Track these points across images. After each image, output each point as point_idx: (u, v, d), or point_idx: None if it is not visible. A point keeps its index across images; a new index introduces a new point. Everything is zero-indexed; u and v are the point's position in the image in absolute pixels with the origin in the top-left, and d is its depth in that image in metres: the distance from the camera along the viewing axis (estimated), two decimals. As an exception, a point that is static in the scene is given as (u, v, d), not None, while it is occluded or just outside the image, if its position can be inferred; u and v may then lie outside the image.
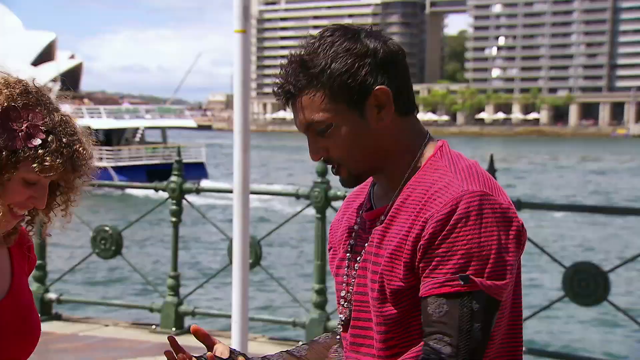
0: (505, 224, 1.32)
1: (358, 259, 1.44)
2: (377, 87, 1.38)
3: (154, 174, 27.64)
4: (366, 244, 1.43)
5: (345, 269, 1.47)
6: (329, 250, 1.60)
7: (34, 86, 1.44)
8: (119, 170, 30.22)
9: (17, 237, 1.54)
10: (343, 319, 1.46)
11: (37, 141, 1.39)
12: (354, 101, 1.38)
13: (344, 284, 1.47)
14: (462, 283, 1.29)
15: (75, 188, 1.50)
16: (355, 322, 1.44)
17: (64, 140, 1.42)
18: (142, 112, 35.37)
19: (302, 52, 1.40)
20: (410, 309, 1.36)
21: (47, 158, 1.39)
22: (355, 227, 1.49)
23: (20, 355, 1.50)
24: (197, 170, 30.88)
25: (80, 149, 1.44)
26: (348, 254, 1.48)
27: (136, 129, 34.45)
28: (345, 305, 1.46)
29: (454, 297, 1.29)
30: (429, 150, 1.43)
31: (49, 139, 1.40)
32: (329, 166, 1.46)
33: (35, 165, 1.39)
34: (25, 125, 1.39)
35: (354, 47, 1.37)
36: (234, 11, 3.27)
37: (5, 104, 1.39)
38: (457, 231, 1.29)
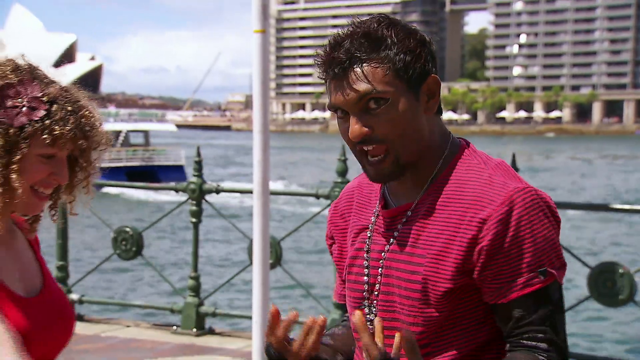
0: (552, 215, 1.36)
1: (381, 260, 1.42)
2: (432, 75, 1.40)
3: (134, 175, 28.90)
4: (388, 245, 1.41)
5: (365, 269, 1.44)
6: (329, 238, 1.58)
7: (24, 62, 1.43)
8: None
9: (34, 230, 1.53)
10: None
11: (41, 112, 1.38)
12: (413, 83, 1.38)
13: (365, 285, 1.44)
14: (542, 278, 1.32)
15: (93, 160, 1.49)
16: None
17: (68, 107, 1.40)
18: (125, 116, 37.23)
19: (361, 28, 1.38)
20: (453, 310, 1.36)
21: (56, 127, 1.38)
22: (370, 226, 1.46)
23: (59, 346, 1.50)
24: (176, 172, 31.92)
25: (87, 113, 1.43)
26: (366, 255, 1.45)
27: (119, 132, 35.10)
28: (366, 306, 1.44)
29: (537, 294, 1.32)
30: (455, 149, 1.44)
31: (52, 109, 1.39)
32: (368, 155, 1.39)
33: (45, 136, 1.37)
34: (25, 100, 1.38)
35: (415, 33, 1.40)
36: (253, 11, 3.25)
37: (1, 83, 1.37)
38: (522, 229, 1.31)
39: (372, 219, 1.47)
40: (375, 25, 1.38)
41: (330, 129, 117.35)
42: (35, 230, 1.53)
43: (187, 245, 12.35)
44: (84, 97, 1.46)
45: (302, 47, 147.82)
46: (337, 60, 1.36)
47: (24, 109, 1.37)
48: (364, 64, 1.35)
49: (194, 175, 5.23)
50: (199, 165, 5.25)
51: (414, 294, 1.36)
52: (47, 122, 1.38)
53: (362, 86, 1.35)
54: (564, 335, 1.35)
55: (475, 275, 1.33)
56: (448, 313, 1.35)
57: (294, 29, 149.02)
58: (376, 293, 1.42)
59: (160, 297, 10.33)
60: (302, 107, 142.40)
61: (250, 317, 3.54)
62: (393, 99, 1.35)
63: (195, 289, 5.28)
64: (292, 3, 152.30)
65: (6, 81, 1.38)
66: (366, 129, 1.36)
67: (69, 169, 1.45)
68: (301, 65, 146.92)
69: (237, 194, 7.97)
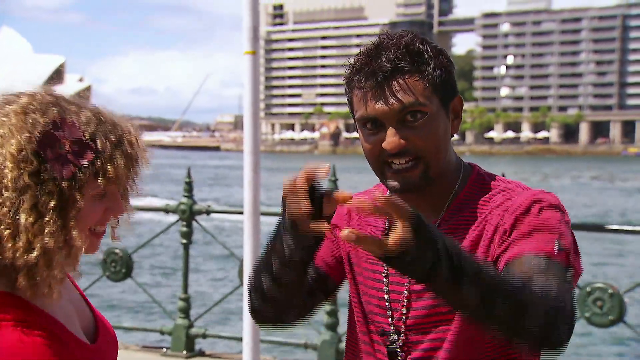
0: (568, 222, 1.37)
1: (405, 284, 1.41)
2: (458, 95, 1.41)
3: None
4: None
5: (386, 294, 1.42)
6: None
7: (47, 96, 1.24)
8: None
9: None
10: (393, 347, 1.41)
11: (90, 155, 1.21)
12: (445, 101, 1.38)
13: (388, 310, 1.42)
14: (558, 248, 1.27)
15: (138, 179, 1.34)
16: (417, 346, 1.40)
17: (112, 138, 1.24)
18: None
19: (399, 40, 1.36)
20: None
21: (108, 167, 1.22)
22: (384, 266, 1.43)
23: None
24: None
25: (129, 137, 1.27)
26: (385, 280, 1.43)
27: None
28: (393, 333, 1.41)
29: (553, 263, 1.25)
30: (469, 169, 1.46)
31: (98, 146, 1.22)
32: (393, 164, 1.36)
33: (100, 180, 1.22)
34: (67, 145, 1.20)
35: (443, 51, 1.39)
36: (243, 33, 3.27)
37: (37, 133, 1.19)
38: (546, 212, 1.32)
39: None
40: (411, 39, 1.36)
41: (320, 149, 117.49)
42: (75, 265, 1.35)
43: (177, 266, 12.28)
44: (116, 118, 1.29)
45: (291, 67, 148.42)
46: (381, 69, 1.33)
47: (69, 155, 1.20)
48: (406, 76, 1.34)
49: (185, 196, 5.22)
50: (189, 186, 5.24)
51: (449, 314, 1.35)
52: (98, 163, 1.22)
53: (406, 97, 1.33)
54: (574, 308, 1.24)
55: (499, 252, 1.31)
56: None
57: (282, 50, 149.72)
58: (403, 318, 1.40)
59: (150, 318, 10.25)
60: (292, 127, 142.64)
61: (240, 339, 3.52)
62: (431, 114, 1.35)
63: (186, 311, 5.25)
64: (281, 24, 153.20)
65: (39, 129, 1.19)
66: (403, 141, 1.34)
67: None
68: (290, 86, 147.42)
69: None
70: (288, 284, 1.35)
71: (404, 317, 1.41)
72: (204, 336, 5.20)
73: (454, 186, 1.42)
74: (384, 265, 1.41)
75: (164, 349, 5.25)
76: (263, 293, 1.39)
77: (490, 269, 1.16)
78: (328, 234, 1.28)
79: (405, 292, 1.41)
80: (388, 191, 1.45)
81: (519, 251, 1.28)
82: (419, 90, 1.34)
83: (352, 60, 1.40)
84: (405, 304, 1.41)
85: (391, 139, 1.34)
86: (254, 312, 1.47)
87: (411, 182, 1.37)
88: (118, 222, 1.36)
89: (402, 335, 1.41)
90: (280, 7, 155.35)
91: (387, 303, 1.43)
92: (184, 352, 5.13)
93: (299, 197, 1.21)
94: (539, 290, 1.17)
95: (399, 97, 1.34)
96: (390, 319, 1.43)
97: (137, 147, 1.28)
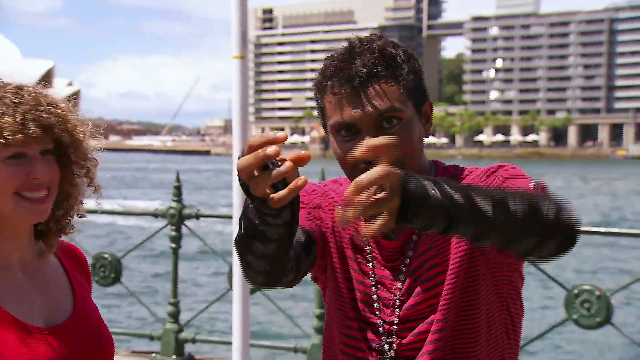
0: None
1: (398, 293, 1.39)
2: (429, 100, 1.40)
3: None
4: (403, 276, 1.39)
5: (376, 303, 1.41)
6: (313, 207, 1.48)
7: None
8: None
9: (57, 242, 1.46)
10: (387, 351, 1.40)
11: None
12: (418, 105, 1.37)
13: (380, 320, 1.41)
14: (534, 185, 1.28)
15: (88, 153, 1.43)
16: (407, 333, 1.40)
17: (7, 99, 1.35)
18: None
19: (371, 44, 1.34)
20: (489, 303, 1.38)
21: (10, 129, 1.32)
22: (370, 257, 1.42)
23: None
24: None
25: (43, 102, 1.38)
26: (374, 288, 1.41)
27: None
28: (385, 343, 1.40)
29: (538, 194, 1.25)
30: (434, 169, 1.46)
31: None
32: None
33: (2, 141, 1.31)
34: None
35: (414, 55, 1.38)
36: (232, 37, 3.27)
37: None
38: (511, 171, 1.34)
39: (367, 248, 1.43)
40: (383, 43, 1.35)
41: (310, 153, 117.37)
42: (52, 245, 1.46)
43: (167, 271, 12.23)
44: (40, 91, 1.40)
45: (280, 72, 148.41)
46: (357, 75, 1.31)
47: None
48: (382, 81, 1.32)
49: (174, 201, 5.21)
50: (178, 191, 5.23)
51: (449, 311, 1.35)
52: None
53: (382, 103, 1.31)
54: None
55: None
56: (486, 307, 1.37)
57: (272, 54, 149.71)
58: (396, 320, 1.40)
59: (139, 323, 10.21)
60: (282, 131, 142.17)
61: (230, 343, 3.52)
62: (407, 119, 1.34)
63: (175, 315, 5.23)
64: (270, 28, 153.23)
65: None
66: None
67: (62, 165, 1.39)
68: (280, 90, 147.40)
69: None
70: (271, 255, 1.24)
71: (397, 309, 1.40)
72: (194, 341, 5.19)
73: None
74: (369, 255, 1.42)
75: (154, 354, 5.23)
76: (250, 267, 1.29)
77: (499, 193, 1.16)
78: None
79: (395, 285, 1.41)
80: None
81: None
82: (395, 95, 1.33)
83: (323, 65, 1.36)
84: (396, 296, 1.40)
85: None
86: (247, 277, 1.35)
87: None
88: (74, 215, 1.42)
89: (392, 325, 1.41)
90: (270, 11, 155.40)
91: (374, 295, 1.42)
92: (174, 356, 5.11)
93: (257, 179, 1.09)
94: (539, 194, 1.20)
95: (376, 103, 1.32)
96: (378, 312, 1.42)
97: (57, 115, 1.37)
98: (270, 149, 1.06)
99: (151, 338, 5.36)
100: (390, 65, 1.33)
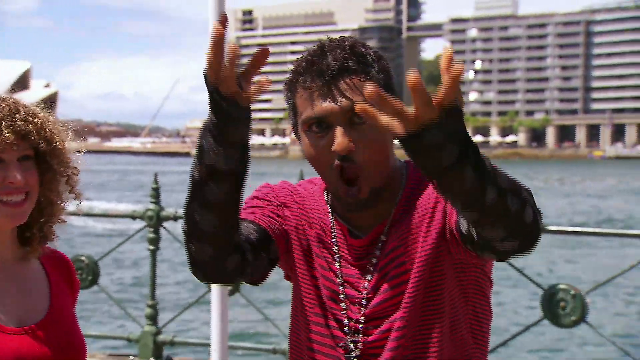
0: None
1: (364, 292, 1.39)
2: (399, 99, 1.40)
3: None
4: (369, 276, 1.39)
5: (343, 303, 1.41)
6: (277, 205, 1.46)
7: None
8: None
9: (41, 248, 1.52)
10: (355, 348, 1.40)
11: None
12: None
13: (346, 319, 1.40)
14: None
15: (68, 160, 1.49)
16: (373, 331, 1.40)
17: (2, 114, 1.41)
18: None
19: (343, 42, 1.34)
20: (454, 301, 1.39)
21: None
22: (337, 257, 1.42)
23: None
24: None
25: (20, 110, 1.44)
26: (341, 287, 1.41)
27: None
28: (350, 342, 1.40)
29: None
30: (406, 169, 1.45)
31: None
32: (344, 181, 1.33)
33: None
34: None
35: (383, 56, 1.38)
36: (210, 37, 3.27)
37: None
38: None
39: (335, 248, 1.43)
40: (354, 42, 1.36)
41: (290, 154, 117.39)
42: (35, 250, 1.52)
43: (145, 273, 12.17)
44: (19, 102, 1.47)
45: (260, 73, 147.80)
46: (328, 67, 1.31)
47: None
48: (353, 75, 1.32)
49: (152, 202, 5.18)
50: (156, 192, 5.21)
51: (412, 309, 1.36)
52: None
53: (354, 96, 1.31)
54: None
55: (447, 222, 1.32)
56: (450, 307, 1.37)
57: (252, 55, 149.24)
58: (362, 319, 1.39)
59: (117, 326, 10.14)
60: (262, 132, 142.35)
61: (209, 345, 3.52)
62: None
63: (153, 317, 5.21)
64: (251, 30, 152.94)
65: None
66: (353, 144, 1.31)
67: (41, 171, 1.45)
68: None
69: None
70: (220, 205, 1.23)
71: (363, 308, 1.40)
72: (172, 343, 5.17)
73: (399, 187, 1.42)
74: (336, 252, 1.41)
75: (131, 357, 5.20)
76: (197, 228, 1.26)
77: (497, 169, 1.15)
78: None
79: (362, 283, 1.40)
80: (329, 196, 1.45)
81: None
82: None
83: (293, 64, 1.37)
84: (362, 294, 1.40)
85: (340, 139, 1.31)
86: (192, 262, 1.32)
87: (361, 203, 1.36)
88: (54, 221, 1.48)
89: (358, 323, 1.40)
90: (250, 12, 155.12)
91: (341, 295, 1.42)
92: (152, 359, 5.09)
93: (226, 73, 1.12)
94: (518, 184, 1.19)
95: (348, 95, 1.31)
96: (344, 310, 1.41)
97: (35, 123, 1.44)
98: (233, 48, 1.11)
99: (129, 340, 5.33)
100: (361, 61, 1.34)
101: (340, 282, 1.42)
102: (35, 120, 1.45)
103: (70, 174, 1.51)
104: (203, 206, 1.23)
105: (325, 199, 1.48)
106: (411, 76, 1.01)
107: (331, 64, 1.31)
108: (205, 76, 1.14)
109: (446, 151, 1.04)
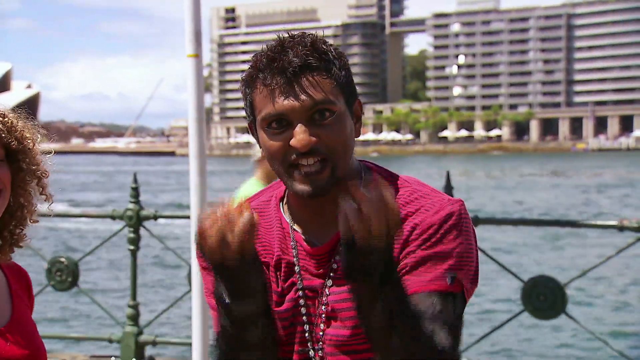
0: (474, 232, 1.38)
1: (323, 297, 1.37)
2: (358, 98, 1.39)
3: None
4: (329, 280, 1.36)
5: (303, 308, 1.38)
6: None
7: None
8: None
9: (10, 252, 1.52)
10: None
11: None
12: (349, 102, 1.35)
13: (305, 325, 1.38)
14: (450, 283, 1.29)
15: (35, 159, 1.50)
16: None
17: None
18: None
19: (303, 39, 1.33)
20: None
21: None
22: (297, 268, 1.39)
23: None
24: None
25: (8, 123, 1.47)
26: (301, 292, 1.38)
27: None
28: (310, 348, 1.38)
29: (444, 296, 1.28)
30: (368, 172, 1.42)
31: None
32: (301, 167, 1.32)
33: None
34: None
35: (343, 54, 1.37)
36: (186, 36, 3.25)
37: None
38: (451, 236, 1.31)
39: (294, 260, 1.39)
40: (314, 38, 1.34)
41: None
42: (6, 254, 1.52)
43: (125, 273, 12.10)
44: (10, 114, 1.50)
45: (244, 71, 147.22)
46: (290, 64, 1.29)
47: None
48: (315, 73, 1.31)
49: (131, 202, 5.15)
50: (135, 192, 5.17)
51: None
52: None
53: (316, 94, 1.30)
54: (458, 348, 1.28)
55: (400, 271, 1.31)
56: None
57: (235, 53, 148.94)
58: (321, 333, 1.37)
59: (98, 327, 10.07)
60: (247, 130, 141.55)
61: (190, 344, 3.50)
62: (339, 113, 1.32)
63: (134, 318, 5.17)
64: (234, 27, 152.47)
65: None
66: (314, 138, 1.29)
67: (13, 173, 1.46)
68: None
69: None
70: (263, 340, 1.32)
71: (321, 332, 1.37)
72: (154, 343, 5.14)
73: None
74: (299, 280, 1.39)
75: (113, 358, 5.17)
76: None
77: (411, 319, 1.18)
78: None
79: (324, 291, 1.38)
80: (285, 195, 1.43)
81: (415, 289, 1.28)
82: (328, 88, 1.31)
83: (252, 60, 1.36)
84: (324, 320, 1.38)
85: (301, 136, 1.29)
86: None
87: (320, 186, 1.32)
88: (25, 224, 1.49)
89: (319, 352, 1.38)
90: (232, 10, 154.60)
91: (304, 317, 1.39)
92: (134, 359, 5.06)
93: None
94: (429, 342, 1.22)
95: (310, 93, 1.30)
96: (308, 334, 1.39)
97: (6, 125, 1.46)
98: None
99: (110, 341, 5.30)
100: (323, 58, 1.32)
101: (300, 287, 1.40)
102: (6, 119, 1.47)
103: (41, 175, 1.51)
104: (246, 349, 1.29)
105: (282, 210, 1.45)
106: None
107: (293, 60, 1.30)
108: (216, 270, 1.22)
109: (375, 276, 1.11)
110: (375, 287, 1.16)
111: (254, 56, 1.36)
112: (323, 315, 1.37)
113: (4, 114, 1.48)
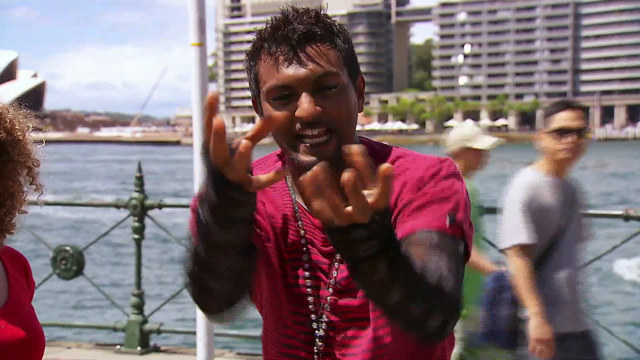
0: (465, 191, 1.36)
1: (330, 280, 1.35)
2: (361, 74, 1.37)
3: None
4: (335, 262, 1.35)
5: (308, 288, 1.37)
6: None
7: None
8: None
9: (2, 241, 1.52)
10: (320, 335, 1.37)
11: None
12: (352, 75, 1.34)
13: (310, 304, 1.37)
14: (450, 221, 1.26)
15: (25, 150, 1.49)
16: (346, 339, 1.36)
17: None
18: None
19: (307, 11, 1.32)
20: None
21: None
22: (303, 241, 1.37)
23: None
24: None
25: None
26: (308, 273, 1.37)
27: None
28: (315, 321, 1.37)
29: (444, 236, 1.24)
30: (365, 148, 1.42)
31: None
32: (306, 138, 1.28)
33: None
34: None
35: (347, 30, 1.35)
36: (190, 24, 3.23)
37: None
38: (442, 183, 1.30)
39: (301, 232, 1.38)
40: (318, 11, 1.33)
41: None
42: None
43: (130, 262, 12.14)
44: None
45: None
46: (294, 32, 1.27)
47: None
48: (319, 43, 1.29)
49: (136, 191, 5.15)
50: (140, 181, 5.17)
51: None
52: None
53: (322, 63, 1.27)
54: (461, 290, 1.23)
55: (397, 225, 1.28)
56: None
57: (241, 42, 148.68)
58: (327, 312, 1.36)
59: (103, 316, 10.11)
60: (252, 120, 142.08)
61: (195, 333, 3.51)
62: (343, 84, 1.30)
63: (139, 307, 5.19)
64: (239, 17, 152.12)
65: None
66: (319, 108, 1.27)
67: (3, 163, 1.46)
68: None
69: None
70: (236, 271, 1.21)
71: (329, 297, 1.36)
72: (159, 332, 5.16)
73: None
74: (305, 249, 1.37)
75: (118, 346, 5.19)
76: (211, 294, 1.26)
77: (412, 266, 1.11)
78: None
79: (332, 271, 1.37)
80: (286, 166, 1.39)
81: (412, 228, 1.25)
82: (333, 58, 1.29)
83: (258, 31, 1.33)
84: (330, 292, 1.37)
85: (306, 105, 1.26)
86: (206, 314, 1.36)
87: (327, 157, 1.27)
88: (15, 213, 1.49)
89: (327, 319, 1.37)
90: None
91: (308, 289, 1.38)
92: (138, 348, 5.08)
93: (234, 162, 1.02)
94: (440, 286, 1.16)
95: (318, 61, 1.27)
96: (312, 305, 1.38)
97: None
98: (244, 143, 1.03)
99: (115, 330, 5.32)
100: (328, 29, 1.31)
101: (307, 267, 1.39)
102: None
103: (31, 165, 1.50)
104: (214, 275, 1.21)
105: (287, 184, 1.42)
106: (346, 176, 0.95)
107: (297, 28, 1.28)
108: (205, 157, 1.05)
109: (366, 245, 1.02)
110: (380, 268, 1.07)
111: (258, 30, 1.34)
112: (330, 289, 1.36)
113: None
